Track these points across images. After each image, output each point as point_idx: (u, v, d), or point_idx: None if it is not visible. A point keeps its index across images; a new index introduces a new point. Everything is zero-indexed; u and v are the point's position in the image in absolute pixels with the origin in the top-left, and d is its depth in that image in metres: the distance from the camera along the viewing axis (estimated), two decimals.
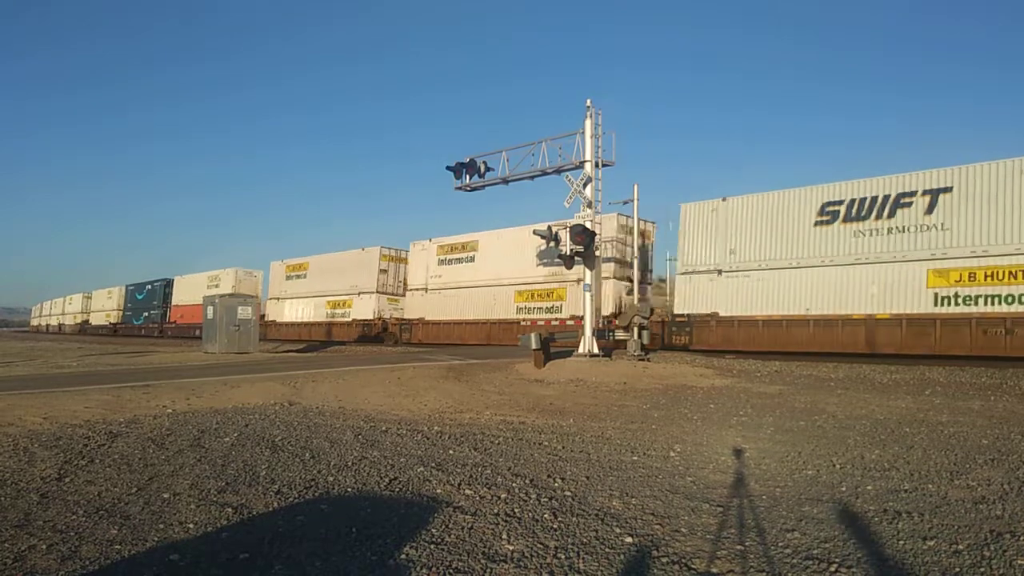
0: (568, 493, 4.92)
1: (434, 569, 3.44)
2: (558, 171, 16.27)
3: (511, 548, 3.75)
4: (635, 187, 18.17)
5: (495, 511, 4.45)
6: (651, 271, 23.79)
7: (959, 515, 4.33)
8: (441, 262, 28.21)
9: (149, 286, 50.82)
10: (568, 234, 15.37)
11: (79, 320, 62.49)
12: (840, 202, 17.00)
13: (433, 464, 5.82)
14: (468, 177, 17.57)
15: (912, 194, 15.93)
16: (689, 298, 19.47)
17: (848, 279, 16.68)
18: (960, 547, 3.73)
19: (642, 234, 21.40)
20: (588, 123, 15.65)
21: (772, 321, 17.79)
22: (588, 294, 15.91)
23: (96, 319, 58.31)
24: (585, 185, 15.61)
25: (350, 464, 5.78)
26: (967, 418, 8.49)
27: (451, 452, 6.39)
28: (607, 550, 3.72)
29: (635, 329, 16.66)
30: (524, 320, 24.23)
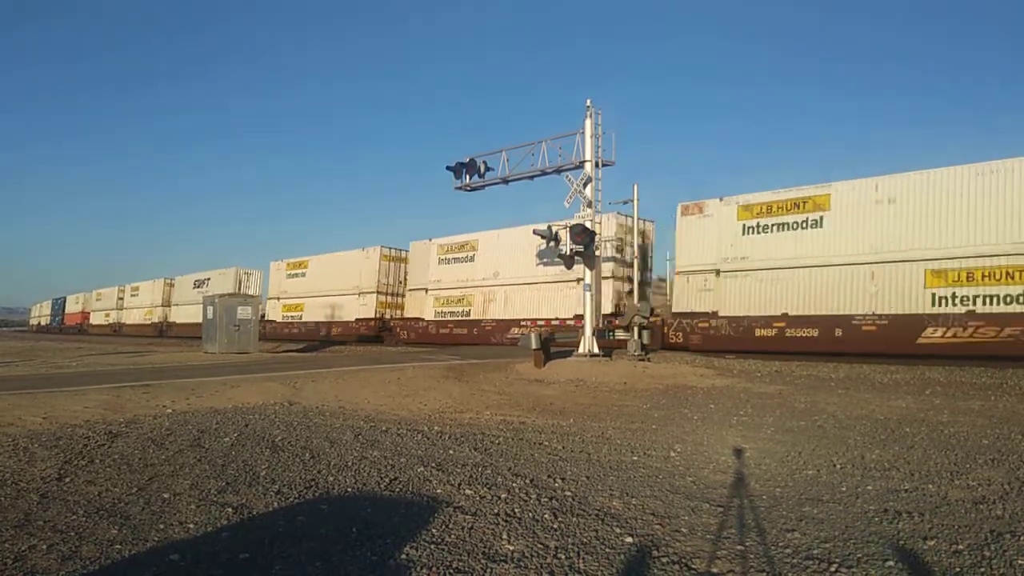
0: (568, 493, 4.92)
1: (434, 569, 3.44)
2: (558, 171, 16.26)
3: (511, 548, 3.75)
4: (635, 187, 18.20)
5: (495, 511, 4.45)
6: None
7: (959, 515, 4.34)
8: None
9: (58, 300, 72.41)
10: (568, 234, 15.37)
11: (36, 321, 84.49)
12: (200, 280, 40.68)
13: (433, 464, 5.81)
14: (468, 177, 17.55)
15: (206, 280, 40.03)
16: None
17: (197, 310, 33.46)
18: (960, 547, 3.73)
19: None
20: (588, 123, 15.63)
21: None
22: (588, 294, 15.91)
23: (43, 321, 79.48)
24: (585, 185, 15.59)
25: (350, 464, 5.78)
26: (967, 418, 8.49)
27: (451, 452, 6.39)
28: (607, 550, 3.72)
29: (635, 329, 16.66)
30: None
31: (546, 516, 4.34)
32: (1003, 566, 3.45)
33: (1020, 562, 3.49)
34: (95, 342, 36.44)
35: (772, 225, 18.25)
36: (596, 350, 15.67)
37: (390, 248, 30.91)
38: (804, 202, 17.54)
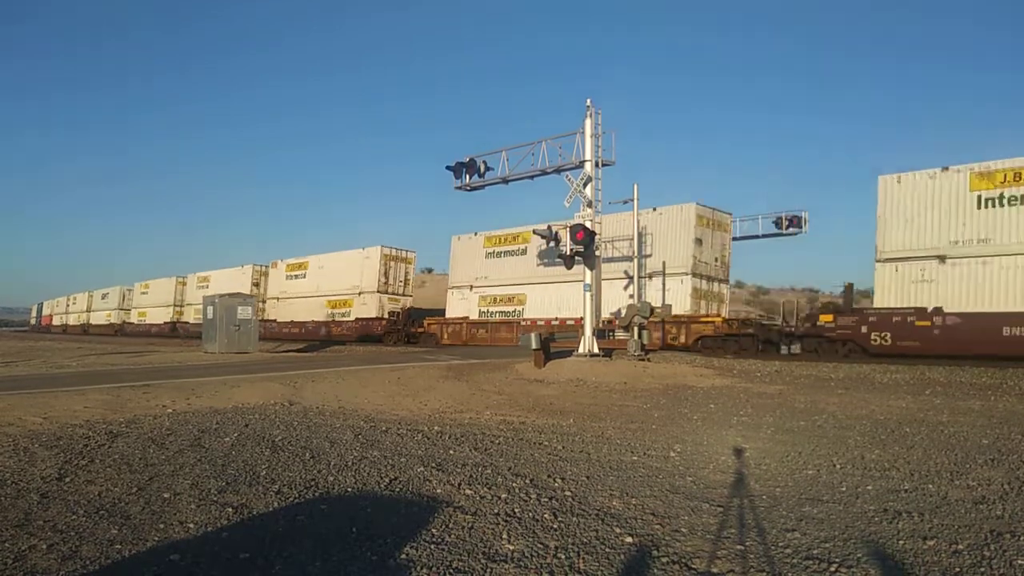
0: (568, 493, 4.92)
1: (434, 569, 3.44)
2: (558, 171, 16.26)
3: (511, 548, 3.75)
4: (635, 187, 18.22)
5: (495, 511, 4.45)
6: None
7: (959, 515, 4.34)
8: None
9: (40, 305, 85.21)
10: (568, 234, 15.37)
11: (32, 321, 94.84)
12: None
13: (433, 464, 5.82)
14: (468, 177, 17.55)
15: None
16: None
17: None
18: (960, 547, 3.73)
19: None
20: (588, 122, 15.63)
21: None
22: (588, 294, 15.91)
23: (32, 321, 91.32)
24: (585, 185, 15.59)
25: (350, 464, 5.78)
26: (967, 418, 8.49)
27: (451, 452, 6.39)
28: (607, 550, 3.72)
29: (635, 329, 16.66)
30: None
31: (546, 516, 4.34)
32: (1003, 566, 3.45)
33: (1020, 562, 3.49)
34: (63, 341, 40.23)
35: (295, 275, 35.86)
36: (596, 350, 15.67)
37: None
38: (301, 265, 35.39)
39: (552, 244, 16.00)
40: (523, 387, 12.38)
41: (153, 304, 48.89)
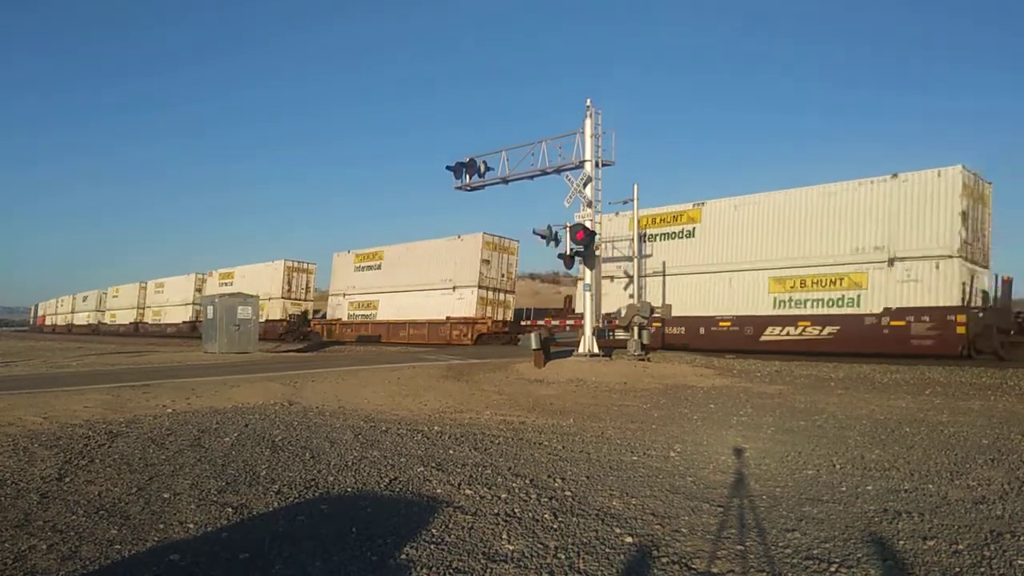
0: (568, 493, 4.92)
1: (434, 569, 3.44)
2: (558, 171, 16.26)
3: (511, 548, 3.75)
4: (635, 187, 18.24)
5: (495, 511, 4.45)
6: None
7: (959, 515, 4.34)
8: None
9: (36, 306, 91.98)
10: (568, 234, 15.37)
11: (31, 321, 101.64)
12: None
13: (433, 464, 5.82)
14: (468, 177, 17.54)
15: None
16: None
17: None
18: (960, 547, 3.73)
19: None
20: (588, 123, 15.64)
21: None
22: (588, 294, 15.91)
23: (30, 321, 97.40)
24: (585, 185, 15.59)
25: (350, 464, 5.78)
26: (967, 418, 8.49)
27: (451, 452, 6.39)
28: (607, 550, 3.72)
29: (635, 329, 16.66)
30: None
31: (546, 516, 4.34)
32: (1003, 566, 3.46)
33: (1020, 562, 3.49)
34: (63, 341, 41.83)
35: (225, 282, 39.44)
36: (596, 350, 15.67)
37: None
38: (229, 274, 40.99)
39: (552, 244, 15.99)
40: (523, 387, 12.37)
41: (120, 307, 55.80)
